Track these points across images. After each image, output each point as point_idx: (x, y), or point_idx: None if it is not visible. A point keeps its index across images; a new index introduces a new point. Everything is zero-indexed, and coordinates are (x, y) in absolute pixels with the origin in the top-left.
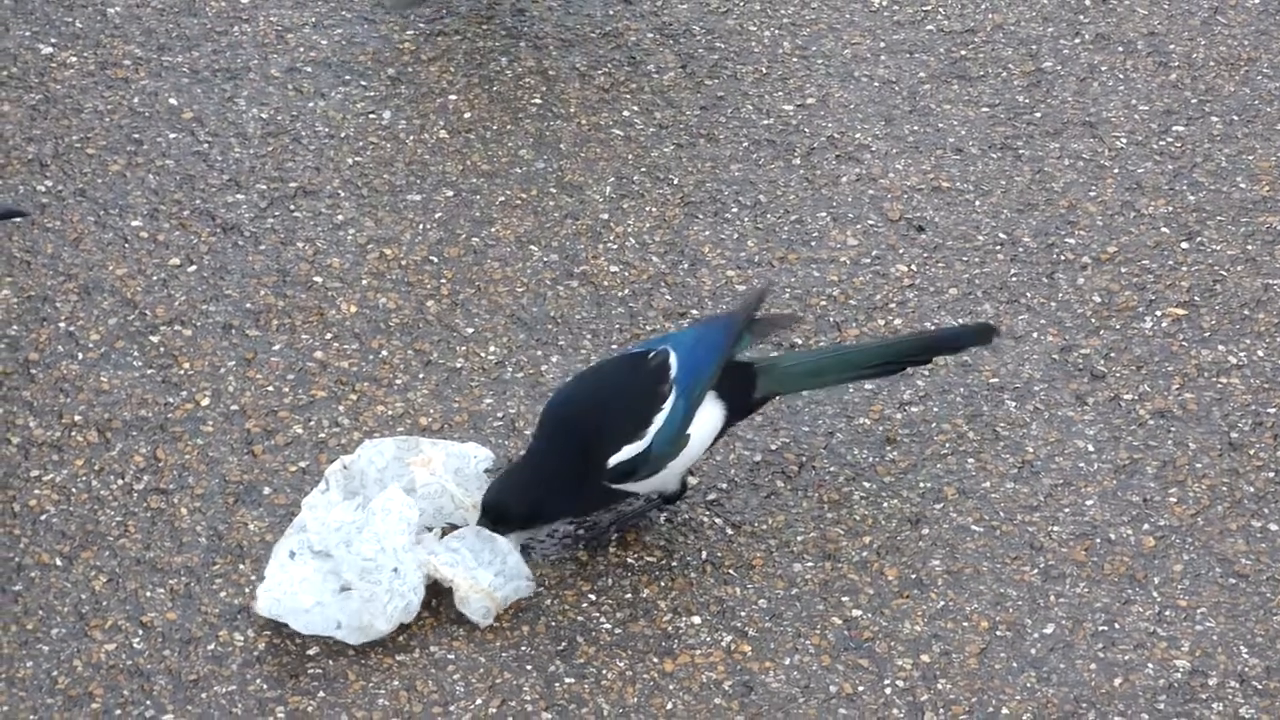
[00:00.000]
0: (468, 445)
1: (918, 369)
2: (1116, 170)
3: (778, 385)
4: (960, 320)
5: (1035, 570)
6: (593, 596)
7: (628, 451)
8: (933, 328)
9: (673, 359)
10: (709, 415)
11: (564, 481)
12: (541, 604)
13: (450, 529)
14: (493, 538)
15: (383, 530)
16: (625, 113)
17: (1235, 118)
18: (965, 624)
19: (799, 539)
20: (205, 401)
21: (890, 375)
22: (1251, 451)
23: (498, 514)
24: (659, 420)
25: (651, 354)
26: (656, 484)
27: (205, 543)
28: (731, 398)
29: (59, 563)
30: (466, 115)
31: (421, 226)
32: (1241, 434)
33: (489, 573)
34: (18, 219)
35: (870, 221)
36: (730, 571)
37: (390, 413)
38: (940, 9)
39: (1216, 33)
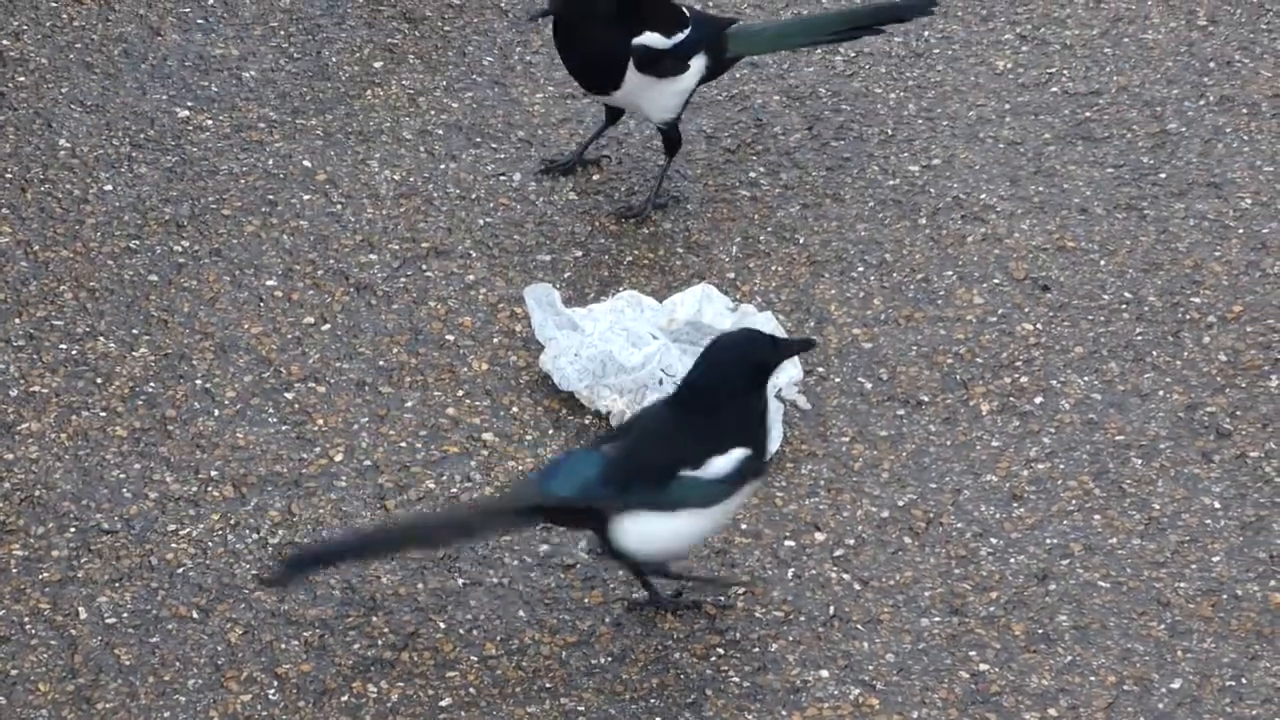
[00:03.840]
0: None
1: (876, 33)
2: (1241, 230)
3: (746, 46)
4: (1086, 378)
5: (1162, 626)
6: (721, 650)
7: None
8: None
9: None
10: (696, 66)
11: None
12: (670, 656)
13: None
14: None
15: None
16: (751, 173)
17: None
18: (1092, 678)
19: (926, 594)
20: (339, 457)
21: (848, 40)
22: None
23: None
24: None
25: None
26: (660, 109)
27: (339, 595)
28: (710, 55)
29: (195, 615)
30: (595, 177)
31: (551, 286)
32: None
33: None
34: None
35: (996, 281)
36: (858, 626)
37: (521, 468)
38: (1065, 71)
39: None
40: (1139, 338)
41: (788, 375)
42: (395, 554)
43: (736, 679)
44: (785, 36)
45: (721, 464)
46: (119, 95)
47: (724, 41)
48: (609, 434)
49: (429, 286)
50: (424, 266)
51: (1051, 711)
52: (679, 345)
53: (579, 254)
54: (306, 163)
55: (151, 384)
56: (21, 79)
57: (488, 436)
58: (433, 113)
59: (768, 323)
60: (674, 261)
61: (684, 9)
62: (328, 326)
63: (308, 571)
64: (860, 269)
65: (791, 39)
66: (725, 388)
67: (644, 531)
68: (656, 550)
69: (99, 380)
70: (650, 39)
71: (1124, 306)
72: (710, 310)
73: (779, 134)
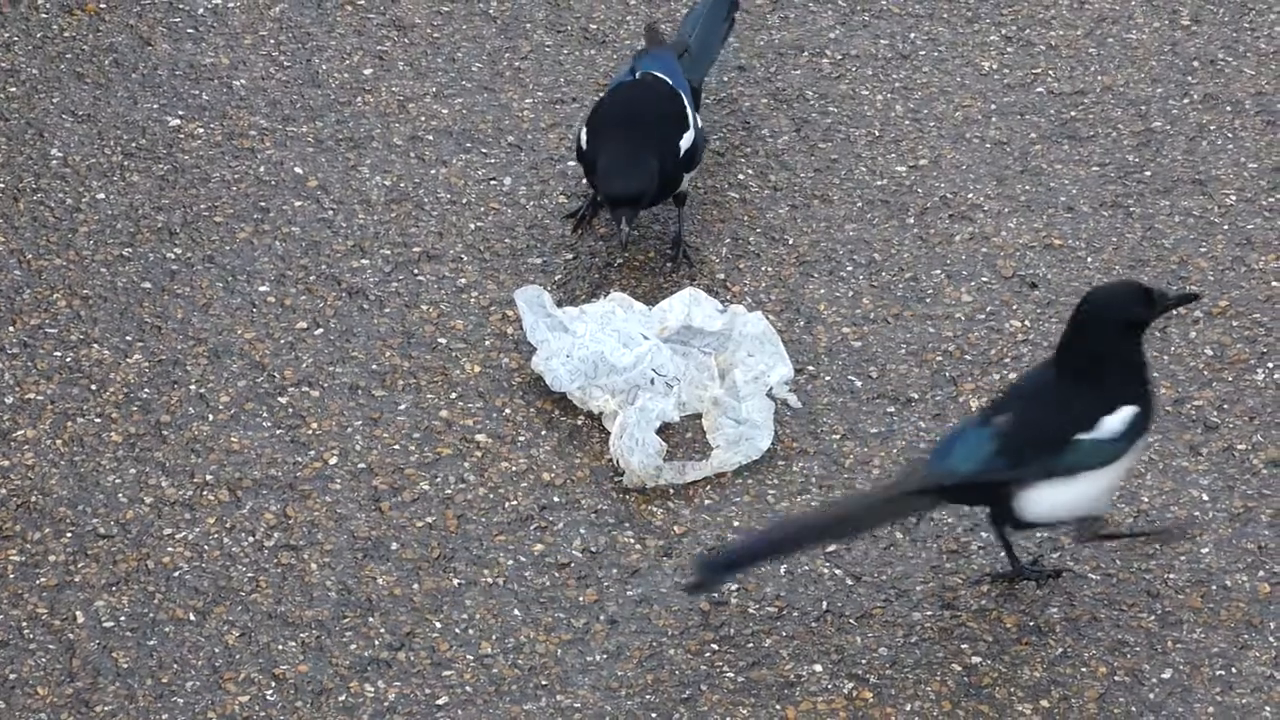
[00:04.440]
0: (776, 371)
1: None
2: (1226, 227)
3: (693, 74)
4: None
5: (1152, 617)
6: (715, 646)
7: (687, 138)
8: None
9: (660, 75)
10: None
11: (658, 158)
12: (664, 653)
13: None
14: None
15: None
16: (740, 176)
17: None
18: (1084, 670)
19: (918, 588)
20: (333, 460)
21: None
22: None
23: (632, 198)
24: (690, 113)
25: (640, 75)
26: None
27: (335, 597)
28: (694, 103)
29: (193, 618)
30: (585, 181)
31: (542, 288)
32: None
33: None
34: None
35: (984, 279)
36: (850, 621)
37: (514, 469)
38: (1050, 72)
39: None
40: None
41: (779, 374)
42: (804, 549)
43: (731, 674)
44: (704, 50)
45: (1113, 423)
46: (110, 105)
47: (694, 83)
48: (992, 406)
49: (421, 290)
50: (415, 271)
51: (1044, 703)
52: (670, 345)
53: (569, 257)
54: (298, 169)
55: (146, 390)
56: (13, 89)
57: (481, 438)
58: (423, 119)
59: (759, 323)
60: (664, 264)
61: (675, 91)
62: (320, 331)
63: (726, 573)
64: (849, 268)
65: (708, 51)
66: (1098, 346)
67: (1045, 500)
68: (1058, 516)
69: (93, 387)
70: (684, 141)
71: None
72: (699, 313)
73: (767, 136)
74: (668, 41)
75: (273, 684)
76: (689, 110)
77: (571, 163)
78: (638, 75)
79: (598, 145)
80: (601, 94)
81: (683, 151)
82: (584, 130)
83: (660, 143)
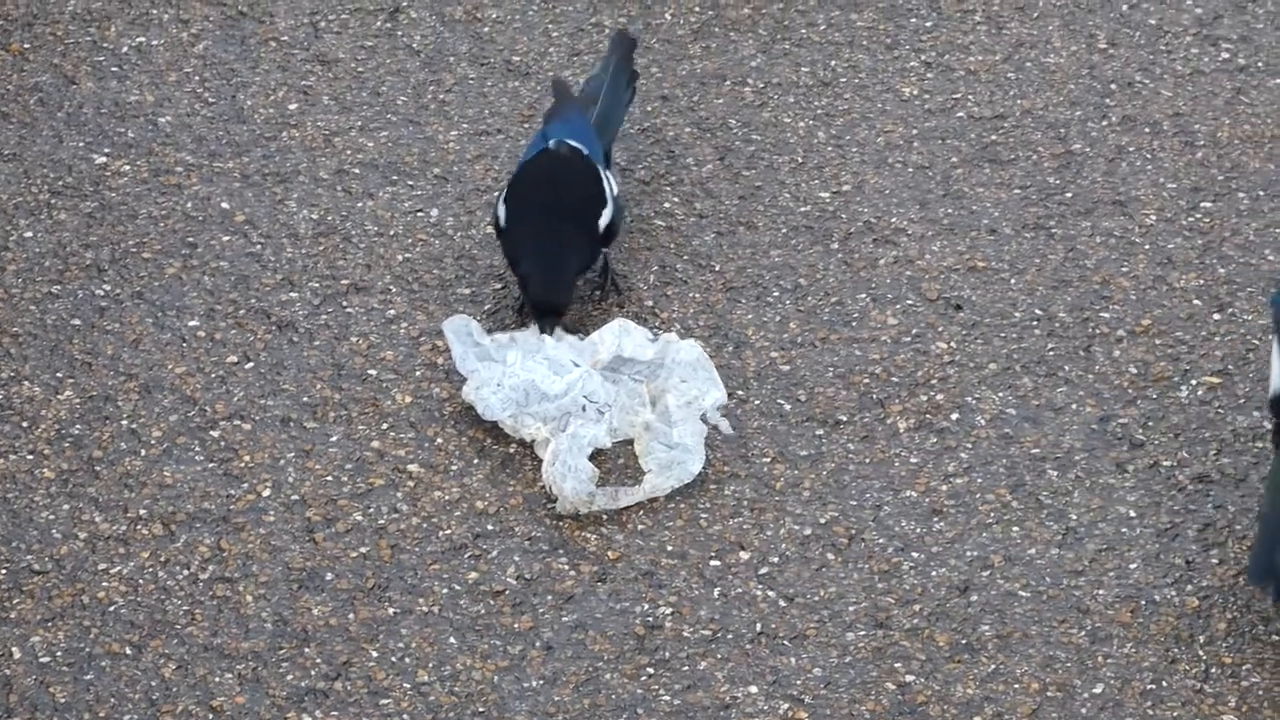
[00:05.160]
0: (711, 396)
1: None
2: (1147, 246)
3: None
4: (1001, 394)
5: (1083, 632)
6: (650, 670)
7: (606, 215)
8: None
9: (576, 144)
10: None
11: (579, 258)
12: (600, 678)
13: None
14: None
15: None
16: (666, 204)
17: (1261, 193)
18: (1016, 686)
19: (851, 609)
20: (266, 492)
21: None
22: None
23: (555, 308)
24: (607, 185)
25: (555, 146)
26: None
27: (271, 628)
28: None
29: (129, 652)
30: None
31: (470, 318)
32: None
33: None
34: None
35: (909, 301)
36: (784, 642)
37: (447, 498)
38: (970, 96)
39: (1240, 112)
40: (1051, 353)
41: (713, 399)
42: None
43: (667, 697)
44: (607, 119)
45: None
46: (36, 143)
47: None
48: None
49: (350, 322)
50: (344, 303)
51: (977, 719)
52: (601, 373)
53: (498, 287)
54: (225, 204)
55: (78, 426)
56: None
57: (413, 468)
58: (349, 152)
59: (692, 350)
60: (592, 292)
61: (586, 160)
62: (251, 365)
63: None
64: (776, 294)
65: (611, 121)
66: None
67: None
68: None
69: (25, 424)
70: (603, 220)
71: (1035, 323)
72: (630, 343)
73: (691, 165)
74: (575, 95)
75: (210, 716)
76: (606, 186)
77: (499, 193)
78: (551, 145)
79: (518, 236)
80: (522, 140)
81: (602, 229)
82: (501, 205)
83: (578, 230)
